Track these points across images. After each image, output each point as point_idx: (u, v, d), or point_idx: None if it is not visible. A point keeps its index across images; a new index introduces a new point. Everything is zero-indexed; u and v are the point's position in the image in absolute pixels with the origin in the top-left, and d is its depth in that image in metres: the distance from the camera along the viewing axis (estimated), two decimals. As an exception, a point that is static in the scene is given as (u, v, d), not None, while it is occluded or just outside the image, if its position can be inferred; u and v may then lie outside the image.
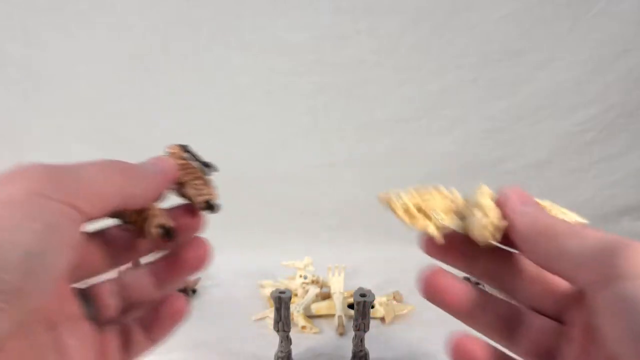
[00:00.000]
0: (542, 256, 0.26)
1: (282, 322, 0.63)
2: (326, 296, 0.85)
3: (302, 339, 0.74)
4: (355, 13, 1.05)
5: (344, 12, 1.05)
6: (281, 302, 0.63)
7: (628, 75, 1.10)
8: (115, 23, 1.03)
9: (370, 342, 0.69)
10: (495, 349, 0.30)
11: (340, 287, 0.83)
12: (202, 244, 0.32)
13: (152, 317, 0.31)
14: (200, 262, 0.31)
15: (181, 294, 0.32)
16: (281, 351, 0.65)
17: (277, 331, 0.64)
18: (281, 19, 1.05)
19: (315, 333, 0.76)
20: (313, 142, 1.11)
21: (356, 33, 1.06)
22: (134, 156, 1.04)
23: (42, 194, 0.20)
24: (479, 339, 0.31)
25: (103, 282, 0.31)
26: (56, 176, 0.21)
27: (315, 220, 1.17)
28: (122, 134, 1.07)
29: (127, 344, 0.31)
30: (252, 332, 0.76)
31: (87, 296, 0.30)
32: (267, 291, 0.86)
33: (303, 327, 0.76)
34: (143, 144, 1.13)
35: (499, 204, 0.29)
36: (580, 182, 1.15)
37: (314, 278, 0.86)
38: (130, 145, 1.09)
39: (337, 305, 0.80)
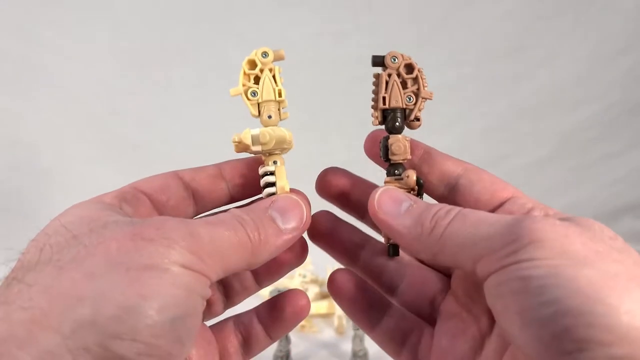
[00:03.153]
0: (432, 253, 0.26)
1: (281, 321, 0.63)
2: (325, 295, 0.85)
3: (301, 339, 0.74)
4: (355, 9, 1.04)
5: (343, 8, 1.04)
6: (280, 301, 0.62)
7: (630, 72, 1.09)
8: (114, 20, 1.02)
9: (370, 341, 0.69)
10: (366, 282, 0.32)
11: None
12: (298, 240, 0.31)
13: (273, 315, 0.31)
14: (298, 258, 0.31)
15: (302, 291, 0.32)
16: (280, 350, 0.65)
17: (276, 331, 0.64)
18: (280, 15, 1.04)
19: (314, 332, 0.76)
20: (312, 139, 1.11)
21: (356, 29, 1.05)
22: (132, 153, 1.03)
23: (182, 264, 0.22)
24: (352, 273, 0.32)
25: None
26: (197, 249, 0.23)
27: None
28: (120, 131, 1.07)
29: (247, 343, 0.31)
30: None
31: None
32: (267, 290, 0.86)
33: (302, 327, 0.76)
34: (141, 141, 1.13)
35: (372, 213, 0.28)
36: (581, 180, 1.15)
37: (313, 277, 0.85)
38: (128, 143, 1.09)
39: (336, 304, 0.79)
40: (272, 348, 0.66)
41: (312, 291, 0.82)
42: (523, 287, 0.21)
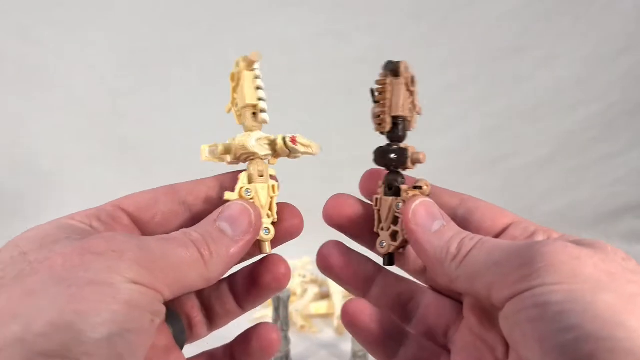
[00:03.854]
0: (450, 279, 0.26)
1: (281, 321, 0.62)
2: (325, 295, 0.84)
3: (300, 339, 0.73)
4: (355, 9, 1.04)
5: (343, 8, 1.04)
6: (280, 301, 0.62)
7: (630, 72, 1.09)
8: (114, 20, 1.02)
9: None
10: (381, 312, 0.30)
11: (339, 286, 0.82)
12: (280, 263, 0.30)
13: (242, 349, 0.30)
14: (279, 282, 0.30)
15: (272, 325, 0.30)
16: (280, 351, 0.65)
17: (276, 331, 0.64)
18: (280, 15, 1.04)
19: (314, 333, 0.76)
20: (312, 139, 1.11)
21: (355, 29, 1.05)
22: (132, 153, 1.03)
23: (130, 278, 0.21)
24: (367, 303, 0.31)
25: (187, 299, 0.30)
26: (147, 263, 0.22)
27: (314, 219, 1.16)
28: (120, 131, 1.07)
29: None
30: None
31: (173, 317, 0.28)
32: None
33: (302, 327, 0.76)
34: (141, 141, 1.12)
35: (405, 220, 0.27)
36: (581, 180, 1.14)
37: (313, 277, 0.85)
38: (128, 143, 1.09)
39: (336, 304, 0.79)
40: (272, 348, 0.66)
41: (312, 291, 0.81)
42: (541, 314, 0.21)
